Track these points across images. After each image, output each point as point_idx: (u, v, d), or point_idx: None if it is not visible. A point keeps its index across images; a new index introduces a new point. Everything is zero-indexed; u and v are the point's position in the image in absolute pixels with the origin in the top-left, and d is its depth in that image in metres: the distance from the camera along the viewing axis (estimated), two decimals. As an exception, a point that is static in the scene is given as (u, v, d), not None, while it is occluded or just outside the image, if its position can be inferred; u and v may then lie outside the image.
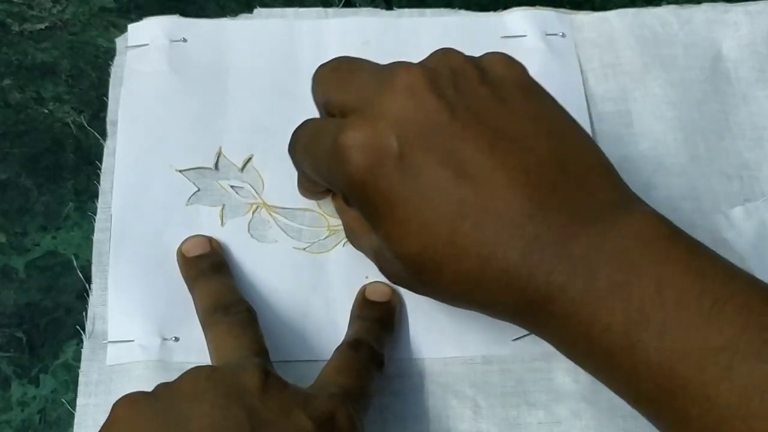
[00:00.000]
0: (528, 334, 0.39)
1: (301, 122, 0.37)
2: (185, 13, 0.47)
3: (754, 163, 0.44)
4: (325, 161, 0.33)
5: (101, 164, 0.43)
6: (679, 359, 0.27)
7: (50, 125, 0.45)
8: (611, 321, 0.28)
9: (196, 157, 0.43)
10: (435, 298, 0.34)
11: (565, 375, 0.39)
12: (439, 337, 0.39)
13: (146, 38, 0.45)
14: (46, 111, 0.45)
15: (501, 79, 0.32)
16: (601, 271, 0.29)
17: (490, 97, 0.31)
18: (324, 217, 0.42)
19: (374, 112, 0.31)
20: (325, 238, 0.42)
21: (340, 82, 0.34)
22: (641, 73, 0.46)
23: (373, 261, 0.36)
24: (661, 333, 0.28)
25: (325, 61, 0.36)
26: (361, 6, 0.48)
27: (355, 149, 0.31)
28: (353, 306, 0.40)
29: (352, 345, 0.37)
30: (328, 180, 0.34)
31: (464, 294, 0.31)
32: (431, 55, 0.33)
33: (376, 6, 0.48)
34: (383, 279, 0.40)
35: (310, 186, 0.39)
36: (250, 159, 0.43)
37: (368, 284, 0.40)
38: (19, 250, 0.42)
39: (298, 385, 0.32)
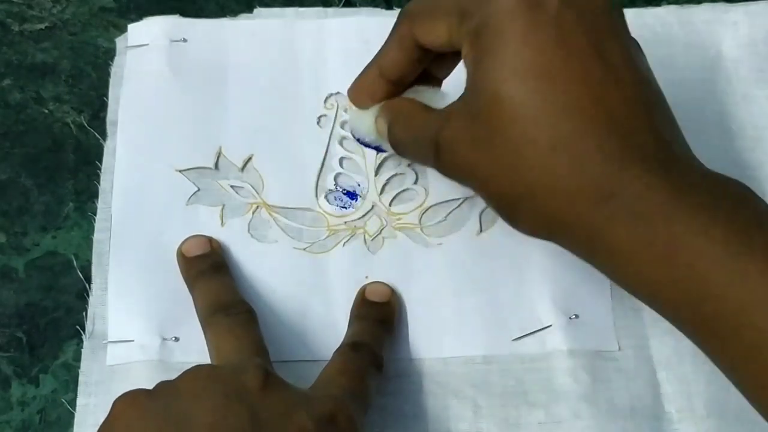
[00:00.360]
0: (528, 334, 0.39)
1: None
2: (185, 13, 0.47)
3: (754, 164, 0.44)
4: None
5: (101, 164, 0.43)
6: (738, 282, 0.28)
7: (50, 125, 0.45)
8: (712, 232, 0.28)
9: (196, 157, 0.43)
10: (486, 182, 0.33)
11: (565, 375, 0.39)
12: (439, 337, 0.39)
13: (146, 38, 0.45)
14: (46, 111, 0.45)
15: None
16: (702, 191, 0.30)
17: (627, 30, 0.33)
18: (324, 217, 0.42)
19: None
20: (325, 238, 0.42)
21: None
22: (641, 73, 0.46)
23: (430, 136, 0.34)
24: (765, 257, 0.28)
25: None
26: (361, 6, 0.48)
27: None
28: (353, 306, 0.40)
29: (352, 347, 0.37)
30: (459, 11, 0.33)
31: (538, 168, 0.31)
32: None
33: (376, 6, 0.48)
34: (383, 279, 0.40)
35: (396, 56, 0.36)
36: (250, 159, 0.43)
37: (368, 284, 0.40)
38: (19, 250, 0.42)
39: (298, 386, 0.32)
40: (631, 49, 0.32)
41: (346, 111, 0.42)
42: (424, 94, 0.37)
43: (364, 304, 0.40)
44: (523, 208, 0.32)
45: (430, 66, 0.37)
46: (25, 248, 0.42)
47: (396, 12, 0.47)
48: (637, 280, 0.31)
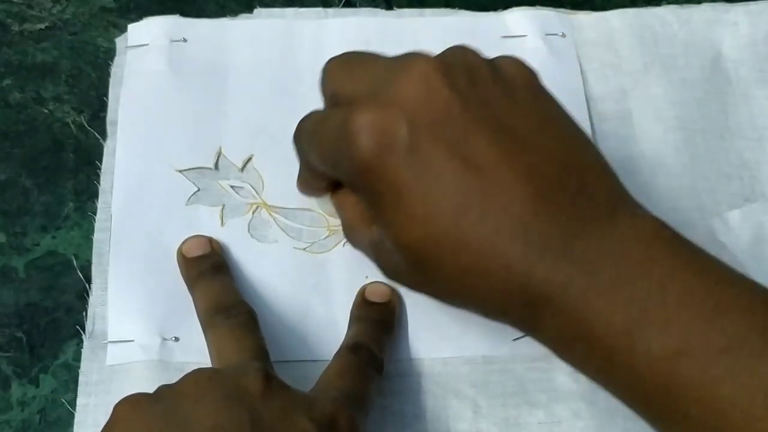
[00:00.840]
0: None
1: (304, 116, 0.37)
2: (185, 13, 0.47)
3: (754, 163, 0.44)
4: (331, 145, 0.33)
5: (101, 164, 0.43)
6: (680, 359, 0.27)
7: (50, 125, 0.45)
8: (612, 320, 0.28)
9: (196, 157, 0.43)
10: (432, 296, 0.34)
11: (565, 375, 0.39)
12: (439, 337, 0.39)
13: (146, 38, 0.45)
14: (46, 111, 0.45)
15: (513, 80, 0.32)
16: (603, 269, 0.29)
17: (501, 95, 0.31)
18: (324, 217, 0.42)
19: (386, 98, 0.31)
20: (325, 238, 0.42)
21: (352, 72, 0.34)
22: (641, 73, 0.46)
23: (371, 257, 0.36)
24: (663, 332, 0.27)
25: (331, 57, 0.36)
26: (361, 6, 0.48)
27: (365, 132, 0.30)
28: (353, 306, 0.40)
29: (352, 349, 0.37)
30: (333, 165, 0.34)
31: (463, 290, 0.31)
32: (447, 49, 0.33)
33: (376, 6, 0.48)
34: (383, 279, 0.40)
35: (311, 179, 0.39)
36: (250, 159, 0.43)
37: (368, 284, 0.40)
38: (19, 250, 0.42)
39: (299, 388, 0.32)
40: (496, 131, 0.30)
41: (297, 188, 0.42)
42: None
43: (364, 305, 0.40)
44: (474, 312, 0.33)
45: None
46: (25, 248, 0.42)
47: (396, 12, 0.48)
48: (578, 370, 0.32)
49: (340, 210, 0.39)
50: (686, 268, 0.29)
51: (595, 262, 0.29)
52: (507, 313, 0.31)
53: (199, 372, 0.31)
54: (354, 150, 0.31)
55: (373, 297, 0.40)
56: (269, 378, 0.31)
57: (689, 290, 0.28)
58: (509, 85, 0.32)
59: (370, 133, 0.30)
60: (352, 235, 0.38)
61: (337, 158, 0.32)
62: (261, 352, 0.35)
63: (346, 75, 0.34)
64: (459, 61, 0.32)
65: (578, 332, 0.29)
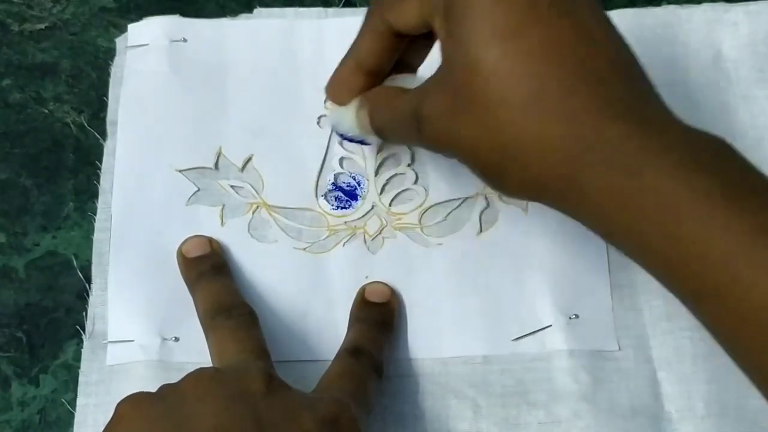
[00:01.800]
0: (528, 334, 0.39)
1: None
2: (185, 13, 0.46)
3: (754, 164, 0.44)
4: None
5: (101, 164, 0.43)
6: (720, 235, 0.27)
7: (50, 125, 0.45)
8: (696, 184, 0.28)
9: (196, 157, 0.43)
10: (471, 148, 0.32)
11: (565, 375, 0.39)
12: (439, 337, 0.39)
13: (146, 38, 0.45)
14: (46, 111, 0.45)
15: None
16: (685, 143, 0.29)
17: None
18: (324, 217, 0.42)
19: None
20: (325, 238, 0.42)
21: None
22: (641, 73, 0.46)
23: (410, 113, 0.34)
24: (743, 210, 0.27)
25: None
26: (361, 6, 0.48)
27: None
28: (352, 307, 0.40)
29: (352, 352, 0.37)
30: None
31: (511, 127, 0.30)
32: None
33: (376, 6, 0.48)
34: (383, 279, 0.40)
35: (370, 45, 0.36)
36: (250, 159, 0.43)
37: (367, 284, 0.40)
38: (19, 250, 0.42)
39: (299, 388, 0.32)
40: (602, 12, 0.31)
41: (326, 106, 0.42)
42: (401, 81, 0.37)
43: (364, 305, 0.40)
44: (505, 172, 0.32)
45: (404, 54, 0.37)
46: (25, 248, 0.42)
47: (396, 12, 0.48)
48: (623, 235, 0.30)
49: (378, 96, 0.37)
50: (732, 182, 0.29)
51: (673, 137, 0.29)
52: (544, 169, 0.30)
53: (201, 372, 0.31)
54: None
55: (373, 297, 0.40)
56: (271, 378, 0.31)
57: (731, 196, 0.28)
58: None
59: None
60: (390, 110, 0.36)
61: None
62: (262, 352, 0.35)
63: None
64: None
65: (647, 183, 0.28)
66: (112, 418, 0.30)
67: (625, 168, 0.29)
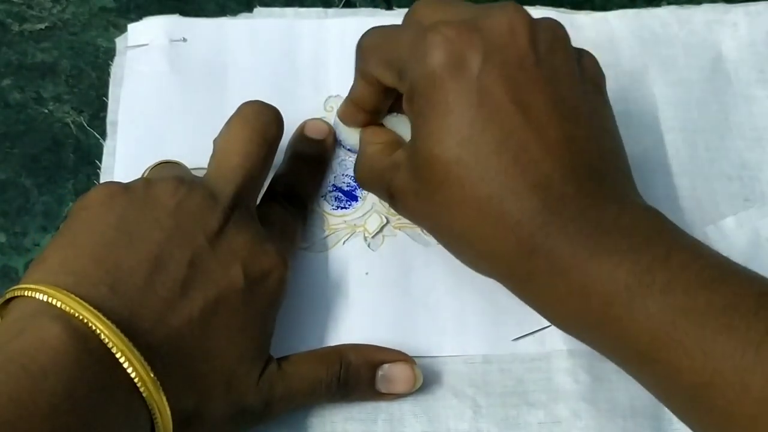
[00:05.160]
0: (528, 334, 0.39)
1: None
2: (185, 13, 0.47)
3: (754, 164, 0.44)
4: (403, 52, 0.35)
5: (101, 164, 0.43)
6: (680, 315, 0.29)
7: (50, 125, 0.45)
8: (615, 276, 0.30)
9: (196, 157, 0.43)
10: (432, 227, 0.36)
11: (565, 375, 0.39)
12: (439, 336, 0.39)
13: (146, 38, 0.45)
14: (46, 111, 0.45)
15: (586, 69, 0.35)
16: (612, 236, 0.31)
17: (571, 74, 0.34)
18: (324, 216, 0.42)
19: (472, 25, 0.33)
20: (325, 237, 0.42)
21: (444, 6, 0.36)
22: (641, 74, 0.46)
23: (381, 186, 0.38)
24: (664, 291, 0.29)
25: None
26: (361, 6, 0.48)
27: (443, 45, 0.33)
28: (290, 140, 0.42)
29: (286, 197, 0.40)
30: (399, 72, 0.35)
31: (467, 224, 0.33)
32: (543, 17, 0.35)
33: (376, 6, 0.48)
34: (383, 276, 0.40)
35: (363, 92, 0.39)
36: (250, 159, 0.43)
37: (308, 120, 0.43)
38: (19, 250, 0.42)
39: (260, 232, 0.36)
40: (555, 96, 0.33)
41: (338, 116, 0.43)
42: (400, 122, 0.40)
43: (302, 140, 0.42)
44: (464, 254, 0.35)
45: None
46: (25, 248, 0.42)
47: (396, 12, 0.48)
48: (564, 325, 0.34)
49: (368, 140, 0.40)
50: (688, 247, 0.31)
51: (606, 229, 0.31)
52: (502, 259, 0.33)
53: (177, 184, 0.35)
54: (428, 58, 0.33)
55: (312, 133, 0.42)
56: (230, 217, 0.35)
57: (691, 262, 0.30)
58: (582, 69, 0.34)
59: (448, 48, 0.32)
60: (370, 163, 0.39)
61: (405, 66, 0.34)
62: (284, 238, 0.38)
63: (438, 7, 0.36)
64: (549, 28, 0.34)
65: (576, 287, 0.31)
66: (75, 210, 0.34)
67: (561, 273, 0.31)
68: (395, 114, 0.41)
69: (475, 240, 0.33)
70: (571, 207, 0.31)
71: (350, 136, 0.43)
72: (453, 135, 0.32)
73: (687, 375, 0.29)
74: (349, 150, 0.43)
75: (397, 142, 0.39)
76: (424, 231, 0.42)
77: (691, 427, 0.32)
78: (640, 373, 0.32)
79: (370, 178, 0.39)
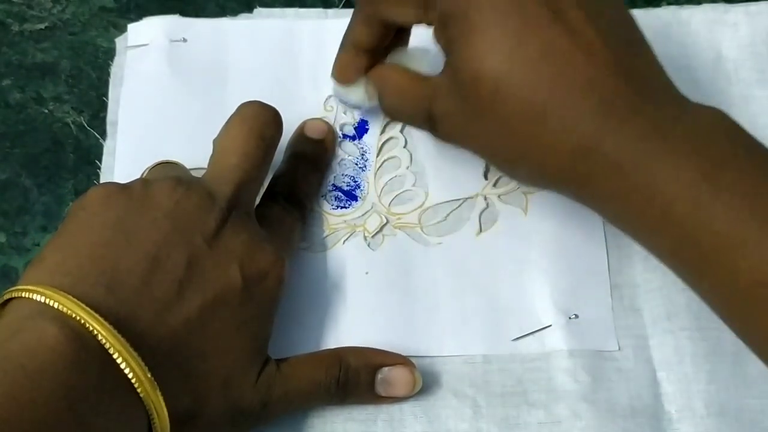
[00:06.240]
0: (528, 334, 0.39)
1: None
2: (185, 13, 0.47)
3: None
4: None
5: (101, 164, 0.43)
6: (747, 215, 0.29)
7: (50, 125, 0.45)
8: (681, 176, 0.30)
9: (196, 157, 0.43)
10: (479, 145, 0.35)
11: (565, 375, 0.39)
12: (439, 336, 0.39)
13: (146, 38, 0.45)
14: (46, 111, 0.45)
15: None
16: (677, 133, 0.31)
17: None
18: (324, 216, 0.42)
19: None
20: (325, 237, 0.42)
21: None
22: (641, 74, 0.46)
23: (421, 117, 0.37)
24: (731, 191, 0.29)
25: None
26: (361, 6, 0.48)
27: None
28: (290, 140, 0.42)
29: (288, 199, 0.40)
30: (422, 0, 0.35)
31: (516, 138, 0.33)
32: None
33: (376, 6, 0.48)
34: (383, 275, 0.40)
35: (364, 33, 0.39)
36: (250, 159, 0.43)
37: (308, 120, 0.43)
38: (19, 250, 0.42)
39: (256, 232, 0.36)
40: (588, 7, 0.33)
41: (333, 79, 0.42)
42: (407, 57, 0.40)
43: (302, 140, 0.42)
44: (519, 168, 0.35)
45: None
46: (25, 248, 0.42)
47: (396, 12, 0.48)
48: (624, 225, 0.33)
49: (386, 76, 0.39)
50: (753, 146, 0.32)
51: (667, 128, 0.31)
52: (558, 166, 0.33)
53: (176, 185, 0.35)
54: None
55: (311, 133, 0.42)
56: (227, 220, 0.35)
57: (759, 161, 0.31)
58: None
59: None
60: (400, 93, 0.38)
61: None
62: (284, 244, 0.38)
63: None
64: None
65: (638, 187, 0.31)
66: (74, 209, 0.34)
67: (620, 171, 0.31)
68: (398, 50, 0.40)
69: (529, 151, 0.33)
70: (626, 107, 0.31)
71: (352, 94, 0.41)
72: (497, 50, 0.32)
73: (747, 274, 0.29)
74: (354, 107, 0.43)
75: (415, 71, 0.38)
76: (425, 230, 0.42)
77: (746, 337, 0.31)
78: (699, 276, 0.31)
79: (402, 107, 0.38)
